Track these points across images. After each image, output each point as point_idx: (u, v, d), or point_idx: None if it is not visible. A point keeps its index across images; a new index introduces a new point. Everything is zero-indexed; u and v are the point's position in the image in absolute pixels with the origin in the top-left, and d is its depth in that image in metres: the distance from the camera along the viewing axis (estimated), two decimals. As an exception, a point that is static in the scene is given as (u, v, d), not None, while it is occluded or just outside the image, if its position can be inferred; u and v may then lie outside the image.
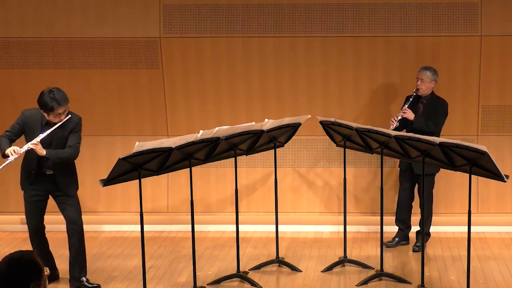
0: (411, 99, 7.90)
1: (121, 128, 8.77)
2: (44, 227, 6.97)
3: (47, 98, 6.62)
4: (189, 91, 8.69)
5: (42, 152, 6.60)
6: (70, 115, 6.71)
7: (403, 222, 8.18)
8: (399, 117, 7.84)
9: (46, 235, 7.02)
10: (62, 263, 7.08)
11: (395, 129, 7.67)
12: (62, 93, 6.66)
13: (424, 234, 7.28)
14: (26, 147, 6.61)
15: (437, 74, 7.94)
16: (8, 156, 6.58)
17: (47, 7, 8.57)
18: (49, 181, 6.78)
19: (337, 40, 8.51)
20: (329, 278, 7.23)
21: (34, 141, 6.61)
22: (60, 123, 6.68)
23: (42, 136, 6.64)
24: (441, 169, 7.65)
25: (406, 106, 7.89)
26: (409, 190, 8.09)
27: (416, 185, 8.05)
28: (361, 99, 8.62)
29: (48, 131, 6.66)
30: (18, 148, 6.60)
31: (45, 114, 6.68)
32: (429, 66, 7.97)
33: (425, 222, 7.79)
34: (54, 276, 7.05)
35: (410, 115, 7.85)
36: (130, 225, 8.71)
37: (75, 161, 6.91)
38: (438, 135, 7.72)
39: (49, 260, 6.97)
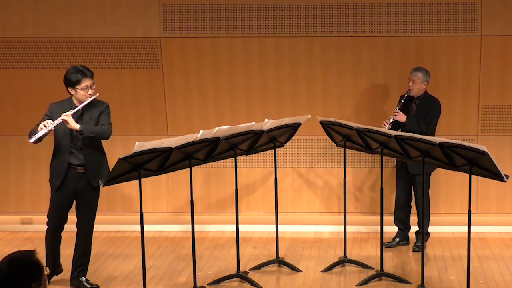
0: (403, 101, 7.91)
1: (121, 128, 8.76)
2: (63, 227, 6.87)
3: (71, 72, 6.65)
4: (189, 91, 8.69)
5: (75, 125, 6.52)
6: (98, 94, 6.69)
7: (402, 222, 8.18)
8: (391, 120, 7.84)
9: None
10: (64, 262, 7.06)
11: None
12: (86, 67, 6.72)
13: (423, 234, 7.28)
14: (58, 120, 6.50)
15: (429, 75, 7.93)
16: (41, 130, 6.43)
17: (47, 7, 8.56)
18: (79, 178, 6.70)
19: (337, 40, 8.51)
20: (329, 278, 7.23)
21: (66, 113, 6.51)
22: (92, 98, 6.63)
23: (73, 111, 6.58)
24: (439, 168, 7.65)
25: (398, 108, 7.89)
26: (405, 189, 8.09)
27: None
28: (361, 99, 8.61)
29: (79, 107, 6.62)
30: (50, 121, 6.50)
31: (73, 92, 6.64)
32: (421, 66, 7.97)
33: (423, 221, 7.81)
34: (57, 271, 7.00)
35: (402, 117, 7.84)
36: (130, 225, 8.71)
37: (108, 161, 6.85)
38: (432, 135, 7.71)
39: (56, 259, 6.91)
